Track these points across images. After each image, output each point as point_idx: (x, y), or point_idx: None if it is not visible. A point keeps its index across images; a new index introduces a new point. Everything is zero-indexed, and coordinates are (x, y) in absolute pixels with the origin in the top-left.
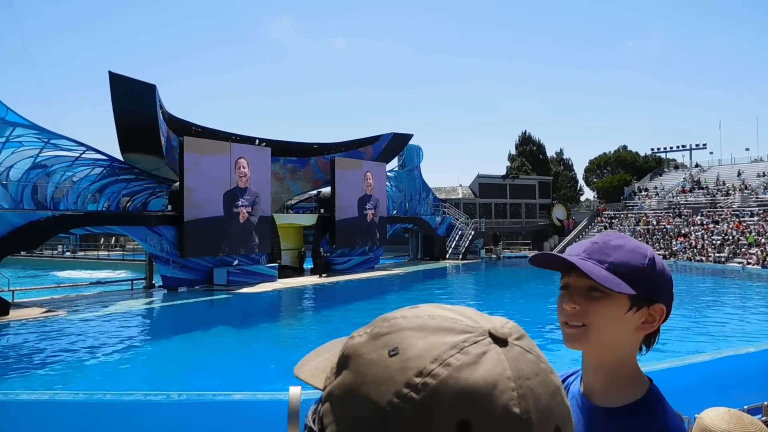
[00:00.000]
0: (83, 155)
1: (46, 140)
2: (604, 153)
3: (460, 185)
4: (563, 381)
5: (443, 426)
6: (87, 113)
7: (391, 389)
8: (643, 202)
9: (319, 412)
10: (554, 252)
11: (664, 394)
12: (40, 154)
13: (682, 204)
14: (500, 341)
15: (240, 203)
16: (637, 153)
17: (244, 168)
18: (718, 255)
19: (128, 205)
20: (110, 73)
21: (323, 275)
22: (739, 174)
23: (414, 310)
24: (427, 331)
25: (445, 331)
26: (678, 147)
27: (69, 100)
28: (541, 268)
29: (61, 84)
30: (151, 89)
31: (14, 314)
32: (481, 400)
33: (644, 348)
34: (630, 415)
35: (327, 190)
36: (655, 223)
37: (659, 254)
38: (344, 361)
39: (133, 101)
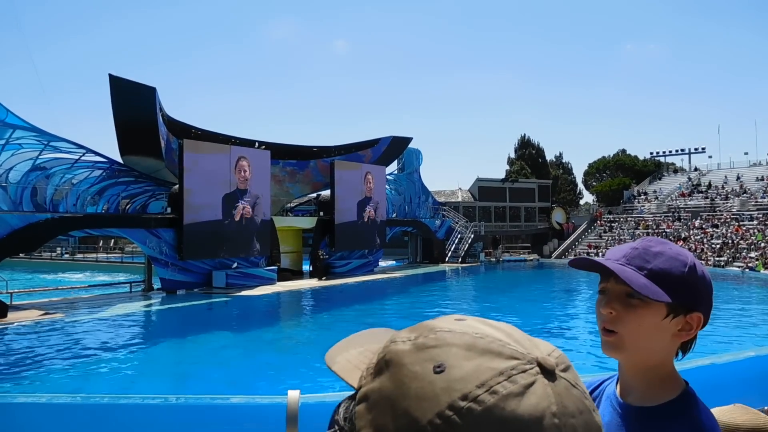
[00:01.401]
0: (83, 157)
1: (45, 142)
2: (604, 157)
3: (460, 188)
4: (599, 385)
5: None
6: (86, 114)
7: (434, 409)
8: (643, 206)
9: (352, 412)
10: (592, 257)
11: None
12: (40, 156)
13: (682, 208)
14: (548, 373)
15: (240, 204)
16: (636, 157)
17: (244, 171)
18: (717, 259)
19: (127, 207)
20: (110, 75)
21: (322, 278)
22: (738, 178)
23: (461, 324)
24: (475, 352)
25: (492, 354)
26: (677, 151)
27: (68, 100)
28: (581, 270)
29: (61, 84)
30: (150, 92)
31: (12, 316)
32: None
33: (680, 353)
34: (665, 414)
35: (326, 193)
36: (654, 226)
37: None
38: (385, 366)
39: (132, 104)
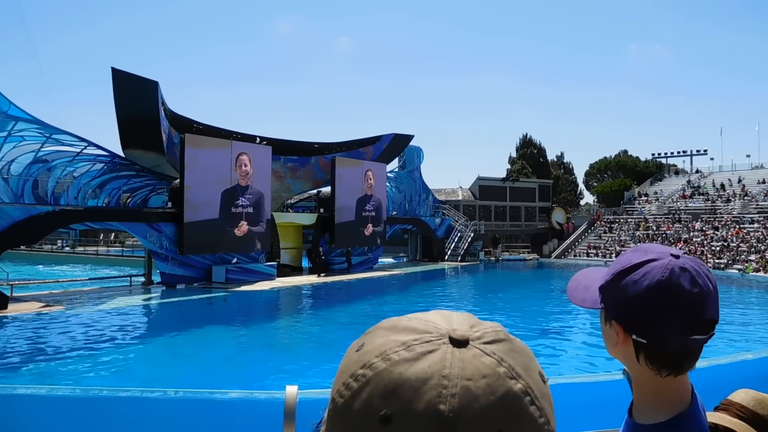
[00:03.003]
0: (84, 151)
1: (47, 135)
2: (605, 157)
3: (460, 187)
4: None
5: (368, 416)
6: (88, 107)
7: (341, 380)
8: (643, 207)
9: None
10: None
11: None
12: (42, 149)
13: (682, 210)
14: (458, 343)
15: (240, 202)
16: (637, 158)
17: (245, 166)
18: (717, 261)
19: (128, 201)
20: (113, 69)
21: (322, 275)
22: (739, 180)
23: (399, 317)
24: (394, 331)
25: (408, 330)
26: (679, 152)
27: (71, 93)
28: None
29: (64, 77)
30: (153, 86)
31: (12, 308)
32: (407, 395)
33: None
34: None
35: (327, 189)
36: (654, 228)
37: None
38: None
39: (135, 98)
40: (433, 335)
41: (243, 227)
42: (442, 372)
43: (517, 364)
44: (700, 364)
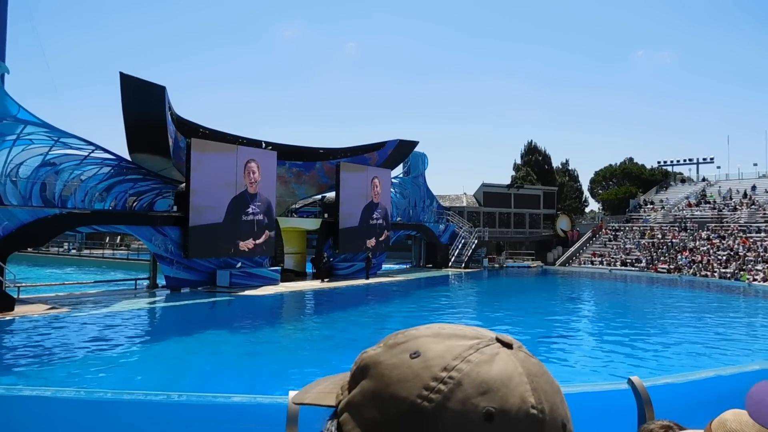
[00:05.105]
0: (92, 154)
1: (56, 138)
2: (610, 165)
3: (465, 193)
4: None
5: (471, 414)
6: (96, 111)
7: (419, 384)
8: (649, 215)
9: (336, 423)
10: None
11: (666, 411)
12: (50, 152)
13: (688, 218)
14: (508, 345)
15: (251, 210)
16: (643, 165)
17: (254, 173)
18: (723, 271)
19: (134, 204)
20: (121, 74)
21: (325, 280)
22: (754, 188)
23: (424, 326)
24: (442, 337)
25: (458, 337)
26: (685, 160)
27: (79, 97)
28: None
29: (72, 80)
30: (160, 91)
31: (19, 310)
32: (501, 391)
33: None
34: None
35: (331, 194)
36: (660, 236)
37: (663, 268)
38: (363, 372)
39: (142, 102)
40: (485, 340)
41: (249, 243)
42: (518, 370)
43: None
44: (707, 374)
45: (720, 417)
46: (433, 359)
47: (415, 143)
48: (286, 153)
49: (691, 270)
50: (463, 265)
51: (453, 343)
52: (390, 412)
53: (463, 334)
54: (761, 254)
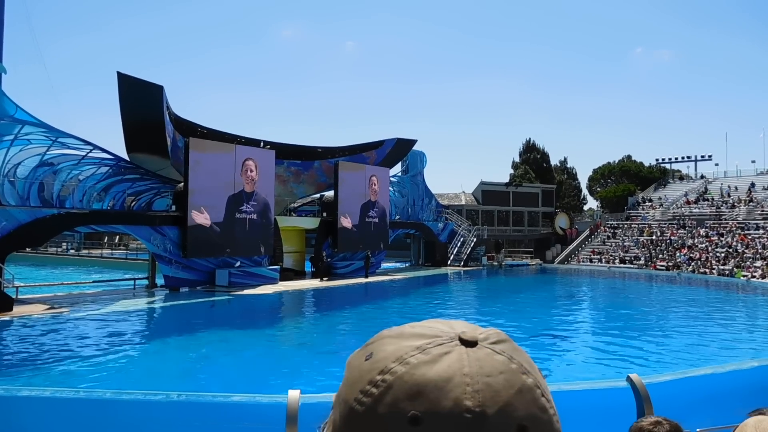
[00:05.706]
0: (90, 154)
1: (53, 138)
2: (609, 162)
3: (463, 192)
4: None
5: (396, 418)
6: (94, 111)
7: (358, 387)
8: (647, 213)
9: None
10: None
11: (665, 407)
12: (48, 152)
13: (687, 215)
14: (468, 343)
15: (245, 208)
16: (641, 163)
17: (251, 172)
18: (722, 267)
19: (133, 204)
20: (119, 73)
21: (324, 279)
22: (753, 186)
23: (405, 325)
24: (402, 338)
25: (416, 336)
26: (683, 158)
27: (76, 97)
28: None
29: (70, 80)
30: (158, 90)
31: (17, 310)
32: (433, 394)
33: None
34: None
35: (330, 193)
36: (658, 234)
37: (662, 265)
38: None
39: (140, 102)
40: (444, 338)
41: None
42: (463, 371)
43: (524, 361)
44: (705, 370)
45: (742, 425)
46: (378, 361)
47: (413, 142)
48: (285, 152)
49: (690, 267)
50: (462, 263)
51: (405, 343)
52: (338, 415)
53: (423, 333)
54: (759, 251)
